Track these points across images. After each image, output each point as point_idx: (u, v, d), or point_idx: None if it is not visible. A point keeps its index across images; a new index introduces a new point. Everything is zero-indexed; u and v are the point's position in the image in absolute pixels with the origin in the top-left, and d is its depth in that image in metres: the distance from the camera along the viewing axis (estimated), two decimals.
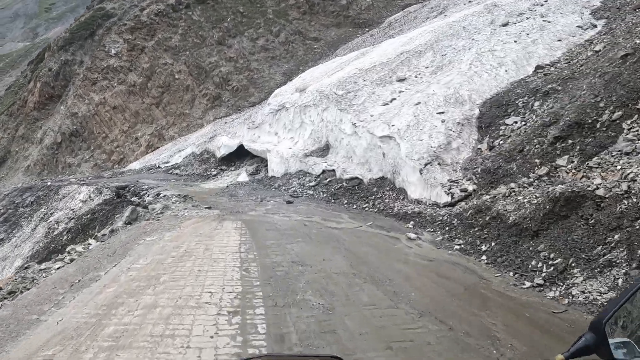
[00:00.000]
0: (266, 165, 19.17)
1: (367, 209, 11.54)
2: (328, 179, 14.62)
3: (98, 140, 33.91)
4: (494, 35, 17.56)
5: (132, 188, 19.52)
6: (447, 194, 9.36)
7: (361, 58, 22.49)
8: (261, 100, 28.44)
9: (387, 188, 11.83)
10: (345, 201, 12.53)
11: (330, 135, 16.57)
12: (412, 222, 9.39)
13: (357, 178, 13.49)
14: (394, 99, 16.14)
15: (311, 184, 15.02)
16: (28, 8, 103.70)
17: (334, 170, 14.91)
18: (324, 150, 16.65)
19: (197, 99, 31.33)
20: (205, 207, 12.24)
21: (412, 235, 8.57)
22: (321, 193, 14.01)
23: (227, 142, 21.51)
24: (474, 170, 9.82)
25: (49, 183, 25.04)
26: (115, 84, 35.04)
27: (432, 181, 10.13)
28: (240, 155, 21.21)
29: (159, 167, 24.82)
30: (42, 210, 21.77)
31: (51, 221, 19.32)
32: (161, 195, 17.01)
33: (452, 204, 9.14)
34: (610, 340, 1.60)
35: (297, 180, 15.97)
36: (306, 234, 9.19)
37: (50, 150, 36.30)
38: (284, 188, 15.97)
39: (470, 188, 9.15)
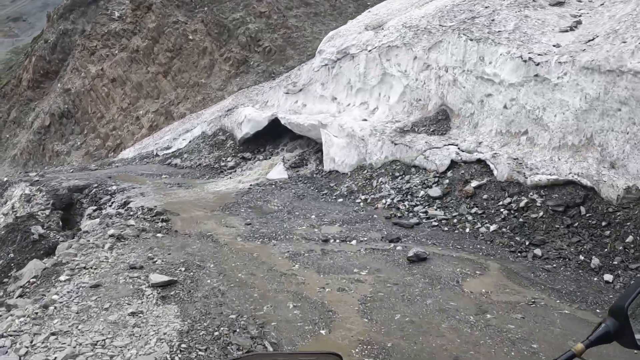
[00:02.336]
0: (318, 152, 11.13)
1: None
2: (475, 183, 6.37)
3: (92, 122, 26.49)
4: None
5: (95, 189, 11.77)
6: None
7: None
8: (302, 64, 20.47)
9: None
10: (580, 256, 4.24)
11: (451, 93, 8.36)
12: None
13: (571, 183, 5.23)
14: (579, 22, 8.21)
15: (432, 192, 6.79)
16: None
17: (481, 160, 6.70)
18: (439, 120, 8.42)
19: (217, 64, 23.41)
20: (156, 289, 3.90)
21: None
22: (470, 217, 5.78)
23: (252, 115, 13.43)
24: None
25: (5, 179, 17.76)
26: (117, 52, 27.49)
27: None
28: (273, 135, 13.17)
29: (156, 154, 17.09)
30: None
31: None
32: (128, 206, 9.23)
33: None
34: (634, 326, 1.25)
35: (390, 181, 7.82)
36: None
37: (37, 136, 29.16)
38: (362, 197, 7.86)
39: None
